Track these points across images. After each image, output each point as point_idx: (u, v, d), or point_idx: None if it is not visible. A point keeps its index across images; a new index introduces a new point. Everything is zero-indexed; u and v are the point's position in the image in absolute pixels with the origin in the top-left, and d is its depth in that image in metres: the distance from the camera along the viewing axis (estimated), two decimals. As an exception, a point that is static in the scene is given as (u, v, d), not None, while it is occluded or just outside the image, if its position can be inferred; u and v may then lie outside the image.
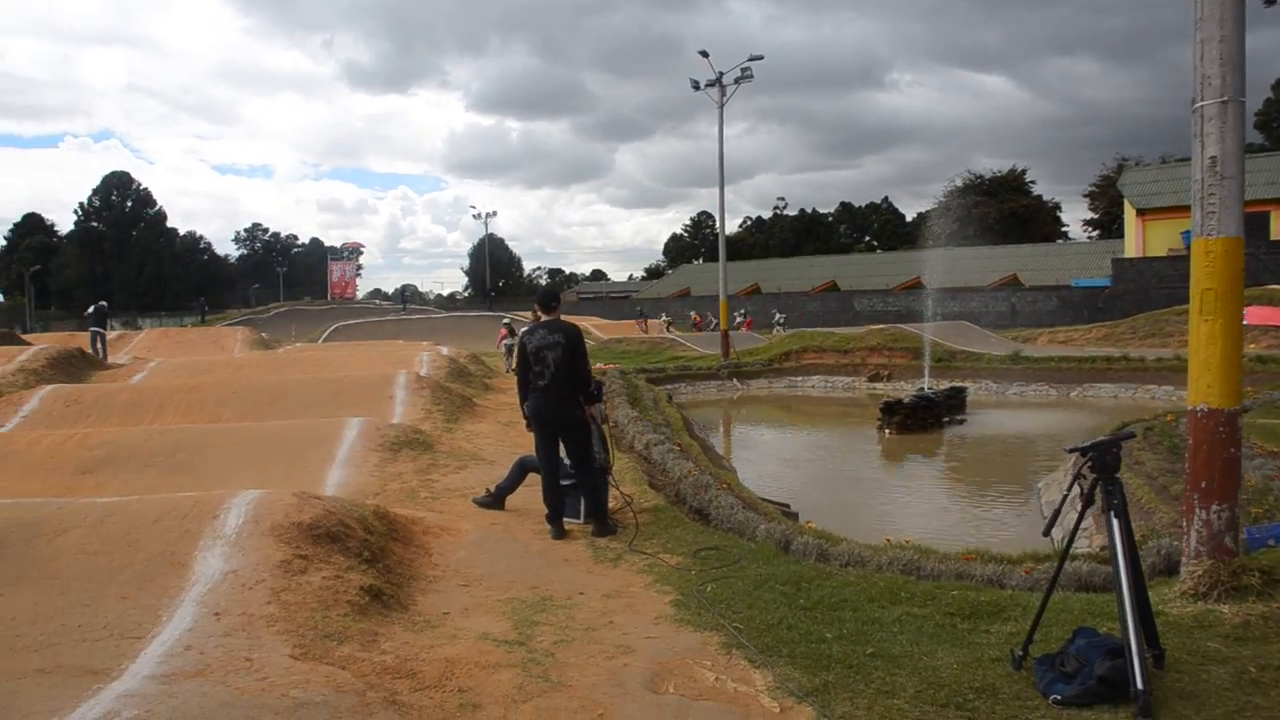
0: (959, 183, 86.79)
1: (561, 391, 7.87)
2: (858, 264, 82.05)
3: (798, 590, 6.24)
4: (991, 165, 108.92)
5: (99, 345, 25.72)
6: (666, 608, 6.05)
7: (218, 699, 4.23)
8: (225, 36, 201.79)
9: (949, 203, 79.64)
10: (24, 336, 33.50)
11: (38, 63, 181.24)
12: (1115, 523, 4.43)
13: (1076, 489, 5.02)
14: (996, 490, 15.05)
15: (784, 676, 4.78)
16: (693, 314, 59.23)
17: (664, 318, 55.96)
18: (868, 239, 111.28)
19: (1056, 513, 4.67)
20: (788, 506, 11.37)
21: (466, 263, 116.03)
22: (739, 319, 53.73)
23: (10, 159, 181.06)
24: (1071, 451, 4.94)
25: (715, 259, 37.31)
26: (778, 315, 55.32)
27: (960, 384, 25.02)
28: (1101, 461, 4.50)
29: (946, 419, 21.65)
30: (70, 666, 4.77)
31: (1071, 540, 4.92)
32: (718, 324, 54.68)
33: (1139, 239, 51.34)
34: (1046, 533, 4.74)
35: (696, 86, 34.25)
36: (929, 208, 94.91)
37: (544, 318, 8.23)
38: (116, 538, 6.22)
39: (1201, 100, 5.49)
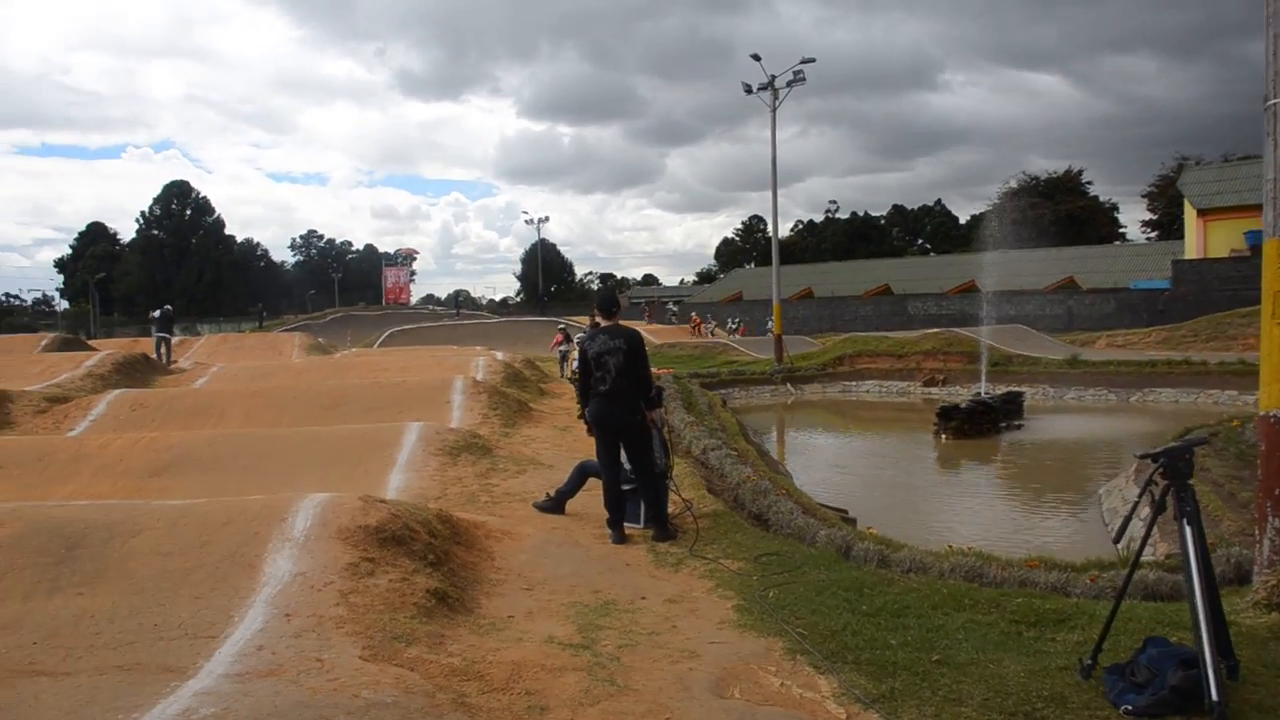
0: (1013, 184, 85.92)
1: (622, 396, 7.91)
2: (911, 267, 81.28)
3: (860, 596, 6.22)
4: (1047, 166, 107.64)
5: (163, 350, 26.13)
6: (729, 613, 6.06)
7: (292, 698, 4.30)
8: (280, 47, 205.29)
9: (1004, 205, 78.73)
10: (90, 342, 34.17)
11: (102, 76, 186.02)
12: (1188, 530, 4.36)
13: (1147, 496, 4.95)
14: (1055, 497, 14.88)
15: (849, 683, 4.77)
16: (693, 315, 59.11)
17: (709, 320, 55.87)
18: (920, 242, 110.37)
19: (1127, 520, 4.63)
20: (846, 512, 11.31)
21: (519, 268, 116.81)
22: (732, 326, 53.54)
23: (76, 170, 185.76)
24: (1142, 457, 4.88)
25: (767, 263, 37.28)
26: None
27: (1017, 389, 24.73)
28: (1173, 468, 4.44)
29: (1003, 424, 21.43)
30: (148, 664, 4.88)
31: (1142, 548, 4.86)
32: (715, 327, 54.59)
33: (1200, 240, 50.40)
34: (1118, 540, 4.69)
35: (749, 90, 34.24)
36: (983, 210, 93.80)
37: (603, 323, 8.27)
38: (189, 539, 6.35)
39: (1274, 98, 5.41)
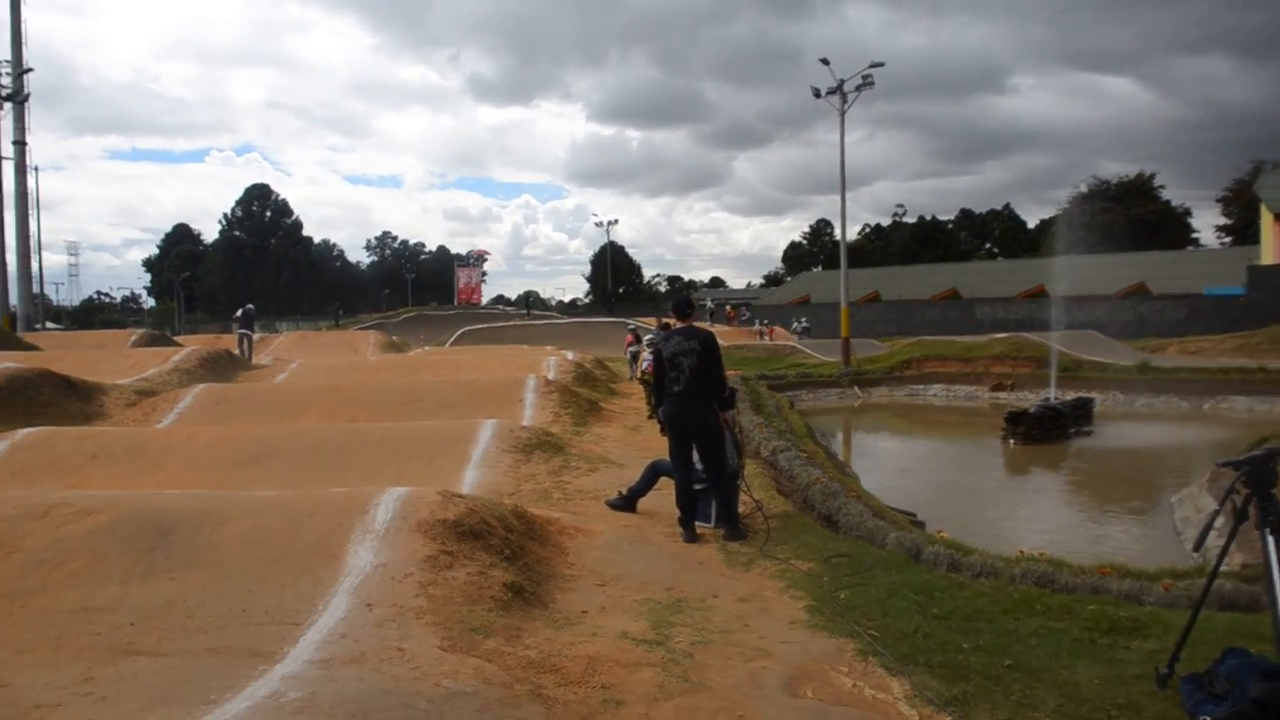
0: (1084, 188, 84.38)
1: (696, 397, 7.96)
2: (979, 271, 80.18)
3: (931, 599, 6.22)
4: (1118, 170, 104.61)
5: (245, 347, 26.68)
6: (800, 613, 6.09)
7: (374, 685, 4.44)
8: (357, 54, 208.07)
9: (1074, 209, 77.20)
10: (175, 338, 35.03)
11: (188, 84, 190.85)
12: (1271, 540, 4.30)
13: (1228, 504, 4.89)
14: (1124, 505, 14.66)
15: (922, 685, 4.79)
16: (727, 308, 58.58)
17: (763, 322, 55.57)
18: (988, 246, 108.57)
19: (1206, 528, 4.59)
20: (914, 515, 11.27)
21: (587, 269, 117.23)
22: (760, 327, 53.04)
23: (163, 174, 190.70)
24: (1223, 465, 4.80)
25: (834, 266, 37.10)
26: (798, 323, 54.96)
27: (1087, 395, 24.30)
28: (1256, 476, 4.38)
29: (1072, 431, 21.15)
30: (237, 648, 5.06)
31: (1223, 557, 4.80)
32: (749, 317, 54.02)
33: (1277, 245, 49.09)
34: (1197, 548, 4.65)
35: (818, 94, 34.11)
36: (1052, 214, 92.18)
37: (678, 324, 8.34)
38: (275, 529, 6.55)
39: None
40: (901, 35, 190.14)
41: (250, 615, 5.51)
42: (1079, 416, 21.75)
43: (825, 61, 33.25)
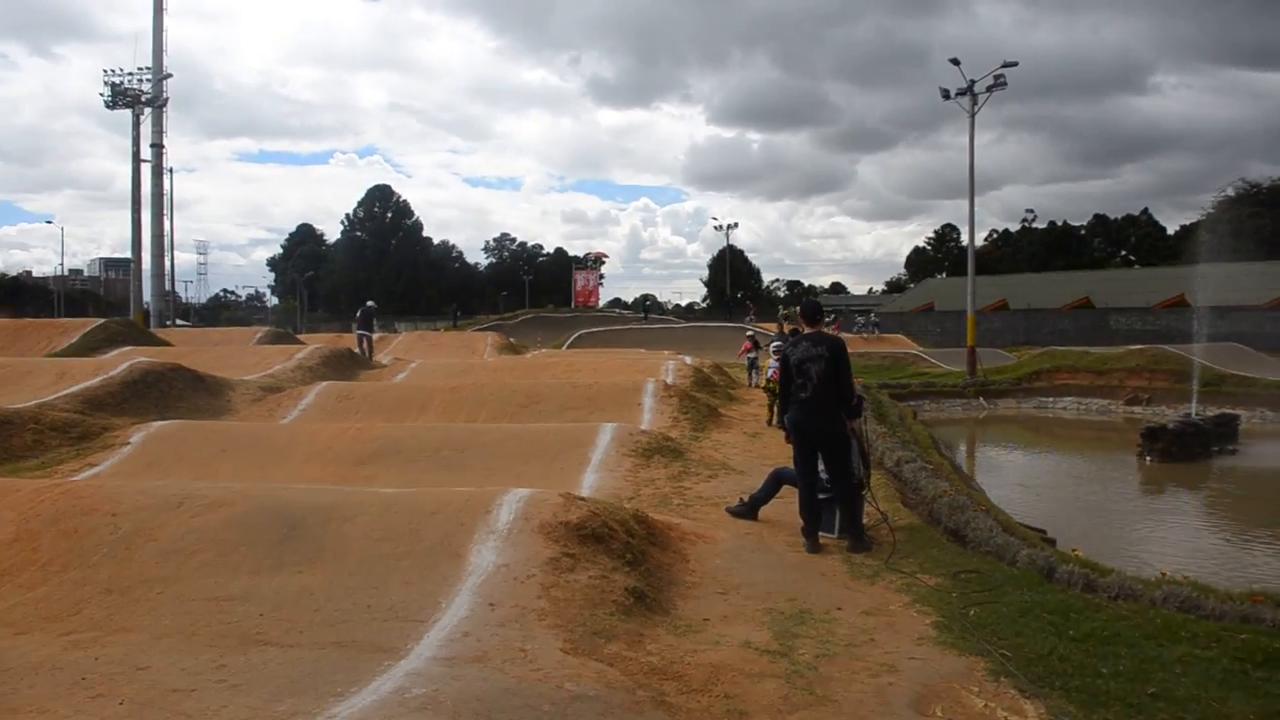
0: (1231, 192, 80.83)
1: (823, 405, 7.81)
2: (1114, 280, 77.41)
3: (1066, 620, 5.96)
4: (1270, 172, 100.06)
5: (365, 346, 27.20)
6: (928, 629, 5.91)
7: (497, 685, 4.43)
8: (478, 57, 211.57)
9: (1220, 214, 74.02)
10: (298, 336, 36.02)
11: (314, 88, 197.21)
12: None
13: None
14: (1274, 530, 13.96)
15: (1058, 709, 4.60)
16: (782, 310, 57.44)
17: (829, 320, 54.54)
18: (1124, 253, 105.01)
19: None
20: (1045, 532, 10.92)
21: (705, 273, 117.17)
22: (828, 321, 51.89)
23: (289, 175, 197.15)
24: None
25: (959, 273, 36.30)
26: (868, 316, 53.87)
27: (1231, 411, 23.28)
28: None
29: (1215, 448, 20.26)
30: (363, 642, 5.12)
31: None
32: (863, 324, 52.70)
33: None
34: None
35: (947, 95, 33.43)
36: (1195, 220, 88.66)
37: (806, 329, 8.21)
38: (399, 526, 6.62)
39: None
40: (1035, 33, 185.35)
41: (375, 611, 5.57)
42: (1222, 434, 20.85)
43: (955, 62, 32.59)
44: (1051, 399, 30.07)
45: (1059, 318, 61.59)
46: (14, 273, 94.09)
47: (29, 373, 17.56)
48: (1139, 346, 34.34)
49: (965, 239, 46.00)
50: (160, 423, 13.35)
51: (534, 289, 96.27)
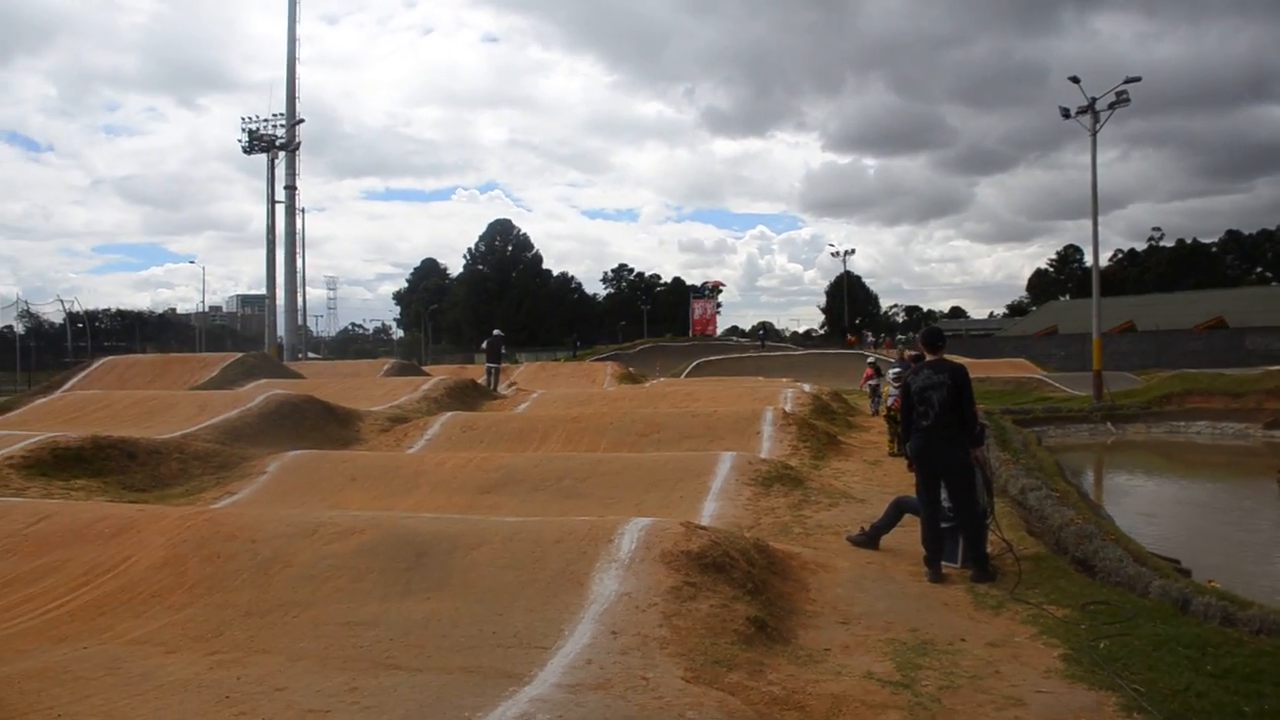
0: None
1: (945, 432, 7.71)
2: (1249, 298, 74.04)
3: (1203, 655, 5.75)
4: None
5: (492, 378, 27.65)
6: (1056, 662, 5.77)
7: (620, 713, 4.48)
8: (595, 92, 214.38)
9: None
10: (423, 368, 36.86)
11: (437, 127, 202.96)
12: None
13: None
14: None
15: (1196, 747, 4.45)
16: (900, 338, 55.91)
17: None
18: (1260, 270, 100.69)
19: None
20: (1178, 563, 10.51)
21: (823, 300, 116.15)
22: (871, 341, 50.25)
23: (414, 212, 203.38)
24: None
25: (1083, 294, 35.30)
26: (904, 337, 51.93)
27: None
28: None
29: (1366, 475, 19.24)
30: (488, 668, 5.22)
31: None
32: (870, 340, 51.05)
33: None
34: None
35: (1067, 115, 32.59)
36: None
37: (928, 357, 8.12)
38: (523, 555, 6.76)
39: None
40: (1158, 46, 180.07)
41: (500, 637, 5.68)
42: (1372, 459, 19.81)
43: (1075, 80, 31.80)
44: (1183, 423, 28.88)
45: (1190, 339, 59.33)
46: (160, 310, 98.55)
47: (174, 405, 18.41)
48: (1278, 368, 32.86)
49: (1089, 259, 44.76)
50: (294, 452, 13.85)
51: (652, 318, 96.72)
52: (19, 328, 50.10)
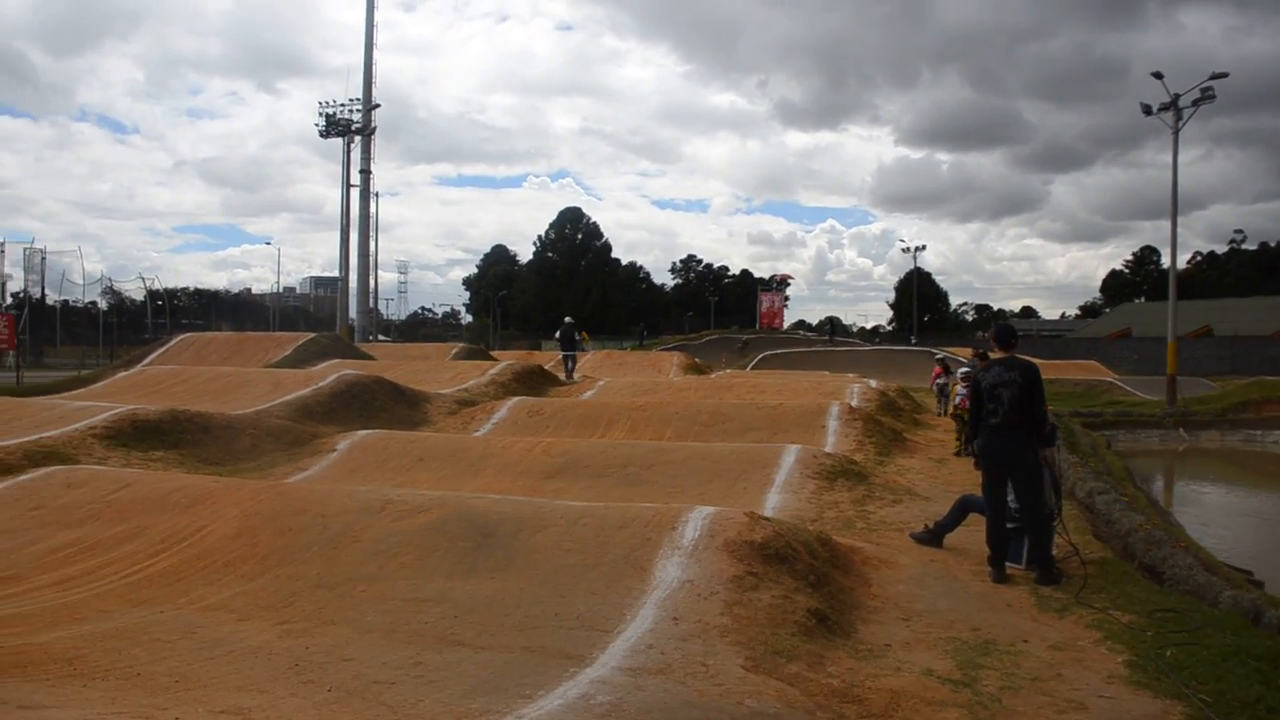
0: None
1: (1014, 431, 7.62)
2: (1333, 305, 71.98)
3: (1275, 668, 5.63)
4: None
5: (570, 365, 27.73)
6: (1119, 668, 5.70)
7: (679, 697, 4.53)
8: (668, 82, 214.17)
9: None
10: (491, 352, 37.18)
11: (511, 114, 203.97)
12: None
13: None
14: None
15: (1264, 759, 4.38)
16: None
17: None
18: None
19: None
20: (1251, 574, 10.31)
21: (892, 296, 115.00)
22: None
23: (485, 198, 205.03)
24: None
25: (1158, 297, 34.51)
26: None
27: None
28: None
29: None
30: (550, 648, 5.31)
31: None
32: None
33: None
34: None
35: (1148, 111, 31.84)
36: None
37: (998, 354, 8.04)
38: (587, 539, 6.83)
39: None
40: (1248, 41, 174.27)
41: (562, 619, 5.76)
42: None
43: (1158, 75, 31.04)
44: (1260, 432, 28.14)
45: (1270, 345, 57.66)
46: (236, 290, 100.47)
47: (249, 382, 18.80)
48: (1364, 376, 31.91)
49: (1166, 261, 43.78)
50: (364, 432, 14.08)
51: (719, 310, 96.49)
52: (102, 304, 51.48)
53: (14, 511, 8.44)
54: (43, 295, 46.94)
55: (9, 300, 47.41)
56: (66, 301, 48.33)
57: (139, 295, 49.13)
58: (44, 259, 47.11)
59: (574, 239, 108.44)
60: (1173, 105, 31.10)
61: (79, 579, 6.84)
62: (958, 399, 14.59)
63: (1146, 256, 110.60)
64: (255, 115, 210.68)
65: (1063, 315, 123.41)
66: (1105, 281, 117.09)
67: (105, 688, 4.73)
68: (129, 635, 5.58)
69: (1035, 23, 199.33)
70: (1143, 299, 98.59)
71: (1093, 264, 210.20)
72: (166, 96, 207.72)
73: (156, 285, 52.92)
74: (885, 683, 5.17)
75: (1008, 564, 7.77)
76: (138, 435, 12.77)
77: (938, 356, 23.80)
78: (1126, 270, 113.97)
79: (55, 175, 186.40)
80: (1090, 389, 37.49)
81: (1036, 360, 9.72)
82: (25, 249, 47.83)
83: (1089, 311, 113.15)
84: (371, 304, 62.28)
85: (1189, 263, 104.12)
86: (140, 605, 6.27)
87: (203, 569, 6.92)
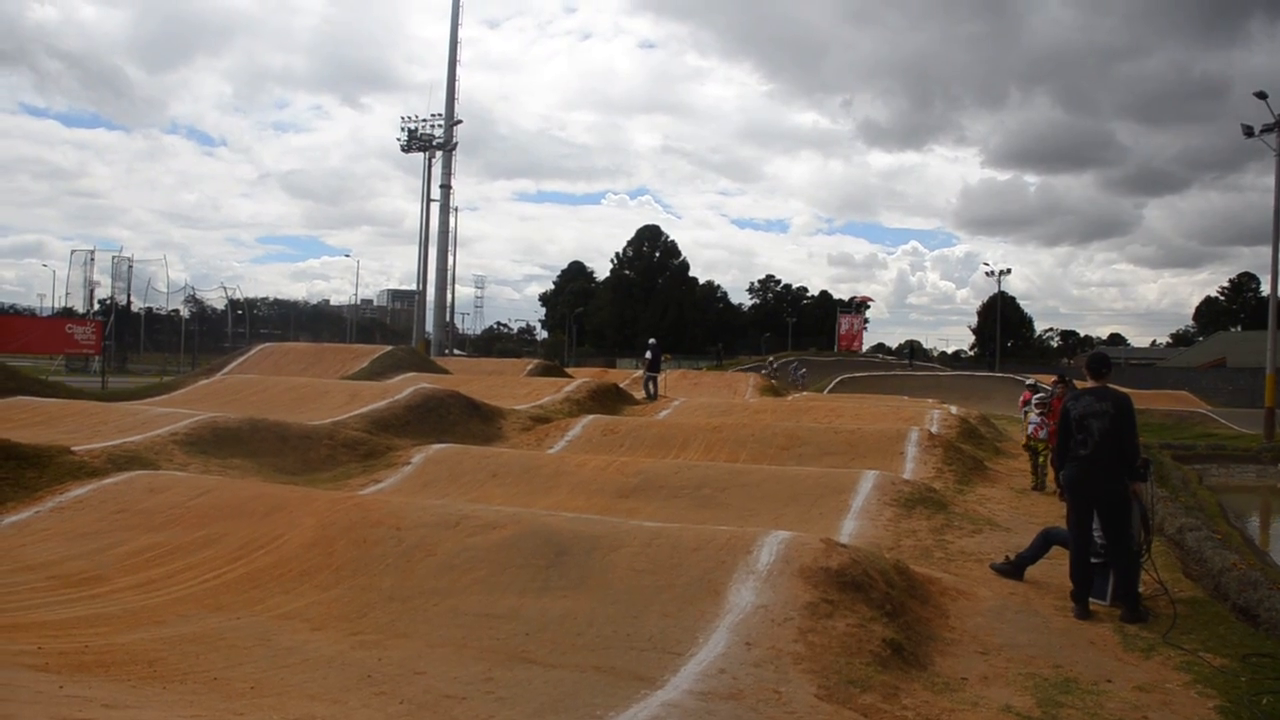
0: None
1: (1104, 463, 7.42)
2: None
3: (1377, 717, 5.42)
4: None
5: (651, 389, 27.22)
6: (1210, 713, 5.49)
7: (750, 724, 4.46)
8: (750, 100, 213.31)
9: None
10: (566, 370, 37.35)
11: (591, 131, 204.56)
12: None
13: None
14: None
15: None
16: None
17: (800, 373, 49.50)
18: None
19: None
20: (1352, 620, 9.90)
21: (974, 320, 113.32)
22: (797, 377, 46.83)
23: (563, 214, 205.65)
24: None
25: (1256, 326, 33.43)
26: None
27: None
28: None
29: None
30: (621, 669, 5.27)
31: None
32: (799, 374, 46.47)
33: None
34: None
35: (1249, 133, 30.94)
36: None
37: (1090, 383, 7.84)
38: (661, 560, 6.77)
39: None
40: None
41: (634, 640, 5.71)
42: None
43: (1262, 95, 30.14)
44: (1367, 467, 27.17)
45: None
46: (315, 301, 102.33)
47: (326, 393, 19.11)
48: None
49: (1266, 288, 42.37)
50: (438, 445, 14.20)
51: (797, 331, 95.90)
52: (185, 312, 52.71)
53: (98, 514, 8.64)
54: (128, 302, 48.14)
55: (96, 306, 48.67)
56: (150, 309, 49.42)
57: (220, 304, 50.11)
58: (130, 267, 48.19)
59: (651, 257, 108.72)
60: (1276, 126, 30.19)
61: (159, 582, 6.97)
62: (1030, 428, 14.19)
63: (1244, 283, 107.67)
64: (339, 129, 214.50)
65: (1153, 343, 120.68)
66: (1199, 309, 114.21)
67: (183, 691, 4.79)
68: (206, 640, 5.66)
69: (1130, 42, 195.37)
70: (1239, 328, 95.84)
71: (1186, 290, 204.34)
72: (253, 110, 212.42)
73: (238, 294, 53.97)
74: (962, 718, 5.05)
75: (1092, 600, 7.55)
76: (217, 443, 13.01)
77: (1028, 381, 23.22)
78: (1222, 297, 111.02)
79: (145, 186, 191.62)
80: (1181, 420, 36.48)
81: (1126, 389, 9.46)
82: (114, 257, 49.02)
83: (1181, 340, 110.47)
84: (448, 318, 63.00)
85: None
86: (218, 611, 6.36)
87: (279, 577, 7.01)
